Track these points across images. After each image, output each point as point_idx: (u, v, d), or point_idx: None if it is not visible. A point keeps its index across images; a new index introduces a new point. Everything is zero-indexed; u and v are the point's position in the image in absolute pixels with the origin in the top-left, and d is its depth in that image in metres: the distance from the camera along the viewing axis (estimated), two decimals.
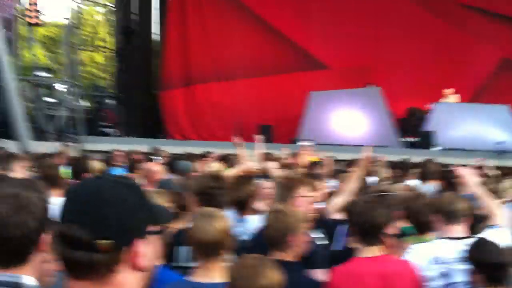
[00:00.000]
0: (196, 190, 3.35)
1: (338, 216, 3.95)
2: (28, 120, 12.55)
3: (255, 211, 4.10)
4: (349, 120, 15.12)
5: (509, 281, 2.66)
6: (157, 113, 17.17)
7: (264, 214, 3.58)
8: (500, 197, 4.39)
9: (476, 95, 16.74)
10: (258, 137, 4.70)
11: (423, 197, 3.69)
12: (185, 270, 2.95)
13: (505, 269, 2.66)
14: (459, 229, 3.19)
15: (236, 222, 3.78)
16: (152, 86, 18.18)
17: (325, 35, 16.81)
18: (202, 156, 8.40)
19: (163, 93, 17.19)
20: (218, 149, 9.50)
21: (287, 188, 3.44)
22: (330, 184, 5.50)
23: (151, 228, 1.22)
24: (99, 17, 27.87)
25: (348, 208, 3.00)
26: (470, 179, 3.76)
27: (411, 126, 15.48)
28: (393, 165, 8.15)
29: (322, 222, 3.66)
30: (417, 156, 10.47)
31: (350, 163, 7.47)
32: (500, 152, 13.34)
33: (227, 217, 2.74)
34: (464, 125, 14.86)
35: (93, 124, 16.66)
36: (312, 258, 2.98)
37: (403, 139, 15.10)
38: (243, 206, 4.00)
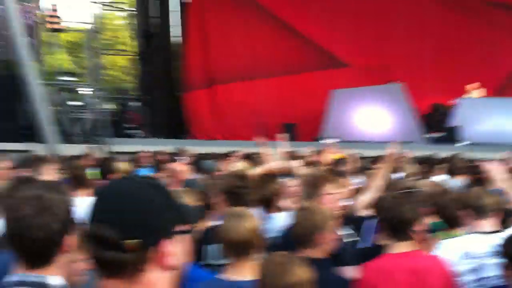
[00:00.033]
0: (223, 189, 3.37)
1: (365, 212, 3.93)
2: (54, 124, 12.76)
3: (280, 209, 4.10)
4: (373, 117, 15.06)
5: None
6: (181, 114, 17.31)
7: (290, 212, 3.59)
8: None
9: (501, 89, 16.50)
10: (282, 136, 4.70)
11: (450, 192, 3.66)
12: (215, 268, 2.98)
13: None
14: (488, 223, 3.16)
15: (262, 220, 3.78)
16: (174, 87, 18.34)
17: (346, 33, 16.72)
18: (226, 156, 8.43)
19: (186, 94, 17.32)
20: (242, 148, 9.52)
21: (313, 186, 3.44)
22: (355, 181, 5.47)
23: (178, 227, 1.23)
24: (120, 22, 28.21)
25: (376, 204, 2.98)
26: (497, 174, 3.71)
27: (436, 122, 15.35)
28: (419, 160, 8.06)
29: (349, 219, 3.65)
30: (442, 152, 10.35)
31: (375, 159, 7.41)
32: None
33: (256, 216, 2.75)
34: (489, 119, 14.68)
35: (118, 126, 16.89)
36: (341, 255, 2.97)
37: (427, 135, 14.96)
38: (268, 204, 4.02)
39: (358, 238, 3.64)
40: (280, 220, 3.87)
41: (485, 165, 3.95)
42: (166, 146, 11.06)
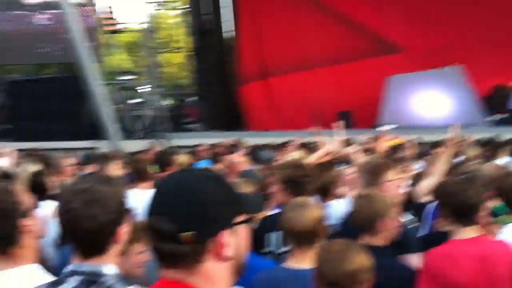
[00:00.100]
0: (283, 179, 3.37)
1: (427, 198, 3.85)
2: (116, 121, 13.21)
3: (338, 197, 4.08)
4: (431, 102, 14.66)
5: None
6: (237, 107, 17.48)
7: (347, 199, 3.57)
8: None
9: None
10: (338, 124, 4.65)
11: None
12: (276, 256, 3.01)
13: None
14: None
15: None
16: (230, 81, 18.54)
17: (399, 18, 16.27)
18: (283, 145, 8.45)
19: (241, 87, 17.46)
20: (299, 138, 9.50)
21: (374, 173, 3.37)
22: (415, 166, 5.36)
23: (239, 218, 1.23)
24: (174, 20, 28.71)
25: (440, 190, 2.89)
26: None
27: (497, 104, 14.77)
28: (481, 143, 7.78)
29: (411, 205, 3.58)
30: (506, 134, 9.95)
31: (434, 144, 7.22)
32: None
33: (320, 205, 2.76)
34: None
35: (176, 121, 17.31)
36: (404, 242, 2.92)
37: (489, 117, 14.40)
38: (325, 193, 4.00)
39: (419, 224, 3.57)
40: (337, 208, 3.85)
41: None
42: (223, 138, 11.21)
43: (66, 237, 1.66)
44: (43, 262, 2.63)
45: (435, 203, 3.46)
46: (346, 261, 2.15)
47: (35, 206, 2.03)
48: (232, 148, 8.67)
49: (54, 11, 16.33)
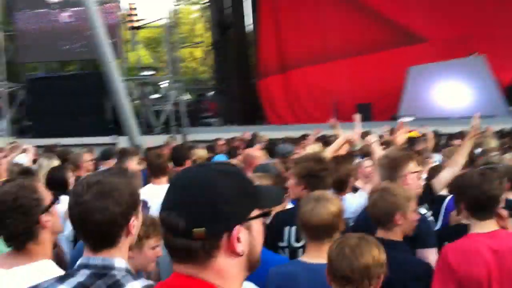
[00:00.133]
0: (301, 173, 3.34)
1: (445, 191, 3.79)
2: (136, 117, 13.33)
3: (355, 190, 4.05)
4: (452, 92, 14.43)
5: None
6: (255, 101, 17.48)
7: (366, 192, 3.53)
8: None
9: None
10: (357, 116, 4.61)
11: None
12: (293, 250, 3.00)
13: None
14: None
15: None
16: (249, 75, 18.54)
17: (421, 8, 16.06)
18: (301, 139, 8.42)
19: (260, 81, 17.45)
20: (317, 130, 9.46)
21: (394, 165, 3.32)
22: (434, 158, 5.30)
23: (255, 212, 1.21)
24: (195, 15, 28.80)
25: (459, 182, 2.83)
26: None
27: None
28: (503, 134, 7.65)
29: (429, 198, 3.53)
30: None
31: (452, 136, 7.12)
32: None
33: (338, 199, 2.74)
34: None
35: (195, 116, 17.38)
36: (421, 235, 2.88)
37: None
38: (342, 186, 3.97)
39: (437, 218, 3.52)
40: (354, 201, 3.83)
41: None
42: (241, 132, 11.23)
43: (77, 230, 1.66)
44: (59, 257, 2.66)
45: (452, 196, 3.41)
46: (359, 256, 2.13)
47: (56, 202, 2.04)
48: (250, 142, 8.68)
49: (76, 8, 16.51)
